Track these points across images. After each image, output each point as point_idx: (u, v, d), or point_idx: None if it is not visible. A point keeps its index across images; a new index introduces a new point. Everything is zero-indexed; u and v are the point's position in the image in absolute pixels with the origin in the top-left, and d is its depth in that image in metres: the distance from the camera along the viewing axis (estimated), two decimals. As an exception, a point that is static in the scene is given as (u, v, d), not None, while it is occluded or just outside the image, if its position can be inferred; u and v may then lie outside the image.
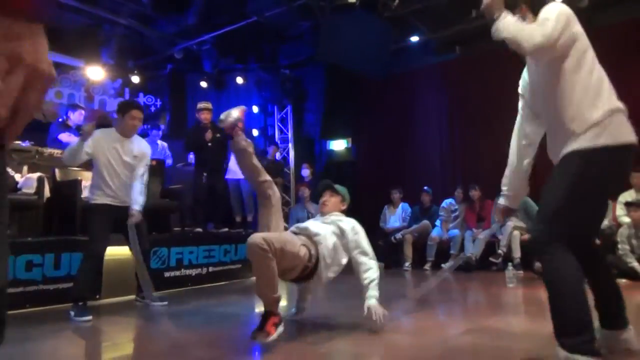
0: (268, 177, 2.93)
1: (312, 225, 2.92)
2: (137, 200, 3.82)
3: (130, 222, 3.77)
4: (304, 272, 2.73)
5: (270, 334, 2.41)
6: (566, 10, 1.94)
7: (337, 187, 3.23)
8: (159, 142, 7.49)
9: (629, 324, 2.10)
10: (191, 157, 7.71)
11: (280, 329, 2.50)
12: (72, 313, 3.39)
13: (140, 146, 3.96)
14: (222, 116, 2.82)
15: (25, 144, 5.25)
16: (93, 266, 3.67)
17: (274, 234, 2.60)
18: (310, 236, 2.79)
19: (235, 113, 2.81)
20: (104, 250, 3.71)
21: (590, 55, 1.95)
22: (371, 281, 2.82)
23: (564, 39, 1.89)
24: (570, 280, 1.82)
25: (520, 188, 2.33)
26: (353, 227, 2.96)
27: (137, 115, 3.86)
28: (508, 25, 1.93)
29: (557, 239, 1.86)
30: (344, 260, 2.94)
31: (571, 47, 1.92)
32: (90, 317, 3.36)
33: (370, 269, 2.86)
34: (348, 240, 2.90)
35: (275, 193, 2.93)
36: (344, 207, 3.20)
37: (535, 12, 2.07)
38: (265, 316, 2.48)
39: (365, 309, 2.75)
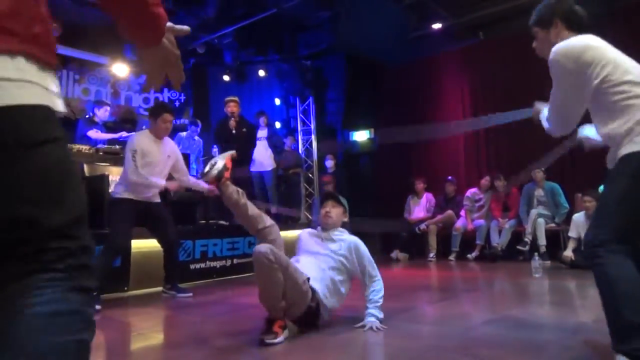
0: (268, 223, 2.76)
1: (311, 266, 2.71)
2: (198, 183, 4.19)
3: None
4: (309, 311, 2.58)
5: (278, 334, 2.40)
6: (565, 55, 1.91)
7: (340, 198, 3.07)
8: (197, 137, 7.62)
9: None
10: (215, 150, 7.80)
11: (287, 332, 2.47)
12: None
13: (171, 146, 4.17)
14: (206, 168, 2.65)
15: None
16: (111, 259, 3.76)
17: (279, 252, 2.45)
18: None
19: (219, 163, 2.63)
20: (126, 243, 3.81)
21: (611, 67, 1.86)
22: (374, 302, 2.72)
23: (576, 81, 1.90)
24: (624, 282, 1.71)
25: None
26: (357, 249, 2.81)
27: (169, 118, 4.04)
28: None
29: (610, 242, 1.77)
30: (344, 290, 2.81)
31: (588, 74, 1.88)
32: (99, 307, 3.44)
33: (374, 291, 2.75)
34: (352, 265, 2.78)
35: (277, 237, 2.76)
36: (345, 219, 3.05)
37: (570, 27, 2.03)
38: (271, 320, 2.45)
39: (362, 324, 2.66)
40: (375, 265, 2.82)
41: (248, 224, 2.77)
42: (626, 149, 1.81)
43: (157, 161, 3.96)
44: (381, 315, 2.68)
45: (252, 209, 2.76)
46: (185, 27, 1.14)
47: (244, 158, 6.21)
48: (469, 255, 6.60)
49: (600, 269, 1.77)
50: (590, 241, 1.84)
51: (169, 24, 1.06)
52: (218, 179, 2.62)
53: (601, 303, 1.78)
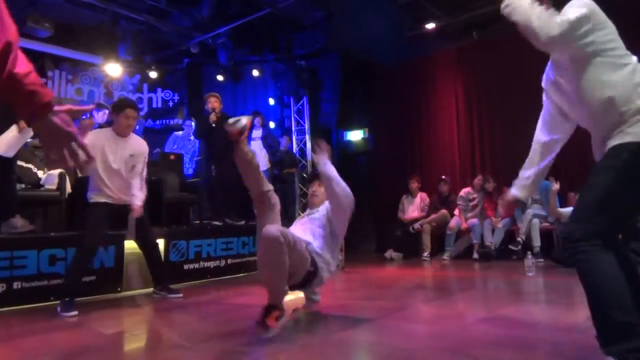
0: (270, 186, 2.93)
1: (300, 231, 2.88)
2: (138, 196, 3.86)
3: (131, 217, 3.83)
4: (307, 276, 2.72)
5: (271, 327, 2.41)
6: (590, 2, 1.78)
7: None
8: (192, 137, 7.59)
9: None
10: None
11: (284, 320, 2.52)
12: (59, 308, 3.38)
13: (137, 144, 3.98)
14: (230, 120, 2.73)
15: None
16: (86, 261, 3.73)
17: (286, 229, 2.57)
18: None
19: (244, 120, 2.74)
20: (99, 246, 3.78)
21: (620, 44, 1.78)
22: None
23: (584, 30, 1.73)
24: (611, 281, 1.64)
25: (537, 182, 2.15)
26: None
27: (132, 114, 3.82)
28: (521, 5, 1.78)
29: (593, 237, 1.68)
30: (335, 243, 2.95)
31: (592, 38, 1.75)
32: (76, 312, 3.35)
33: None
34: (329, 214, 2.95)
35: (277, 201, 2.94)
36: None
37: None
38: (268, 309, 2.47)
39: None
40: None
41: (256, 185, 2.87)
42: (616, 140, 1.70)
43: (117, 162, 3.79)
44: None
45: (260, 171, 2.92)
46: (87, 107, 1.23)
47: (227, 153, 6.05)
48: (474, 256, 6.54)
49: (585, 266, 1.69)
50: (571, 236, 1.73)
51: (67, 106, 1.15)
52: (240, 133, 2.72)
53: (587, 301, 1.73)
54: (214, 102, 5.95)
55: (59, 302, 3.47)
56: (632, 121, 1.68)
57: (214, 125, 5.77)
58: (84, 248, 3.66)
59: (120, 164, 3.82)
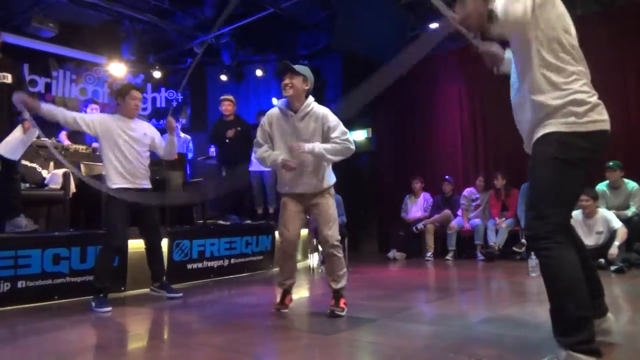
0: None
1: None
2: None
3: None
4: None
5: (287, 306, 3.21)
6: None
7: (298, 67, 3.12)
8: (182, 134, 7.60)
9: (608, 312, 2.09)
10: (212, 150, 7.81)
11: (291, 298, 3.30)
12: (93, 304, 3.47)
13: (145, 126, 4.03)
14: None
15: (51, 140, 5.39)
16: (113, 257, 3.74)
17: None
18: None
19: None
20: (125, 241, 3.75)
21: (563, 39, 1.92)
22: None
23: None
24: (568, 276, 1.76)
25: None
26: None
27: (137, 95, 3.87)
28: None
29: (556, 233, 1.78)
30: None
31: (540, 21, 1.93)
32: (110, 309, 3.44)
33: None
34: None
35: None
36: (307, 87, 3.19)
37: None
38: (284, 293, 3.25)
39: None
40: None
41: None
42: (541, 131, 1.87)
43: (128, 143, 3.77)
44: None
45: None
46: None
47: (239, 158, 6.16)
48: (480, 260, 6.50)
49: (548, 262, 1.79)
50: (536, 235, 1.82)
51: None
52: None
53: (547, 293, 1.83)
54: (227, 106, 6.15)
55: (91, 297, 3.54)
56: (557, 108, 1.84)
57: (227, 140, 6.04)
58: (107, 247, 3.66)
59: (132, 144, 3.78)
